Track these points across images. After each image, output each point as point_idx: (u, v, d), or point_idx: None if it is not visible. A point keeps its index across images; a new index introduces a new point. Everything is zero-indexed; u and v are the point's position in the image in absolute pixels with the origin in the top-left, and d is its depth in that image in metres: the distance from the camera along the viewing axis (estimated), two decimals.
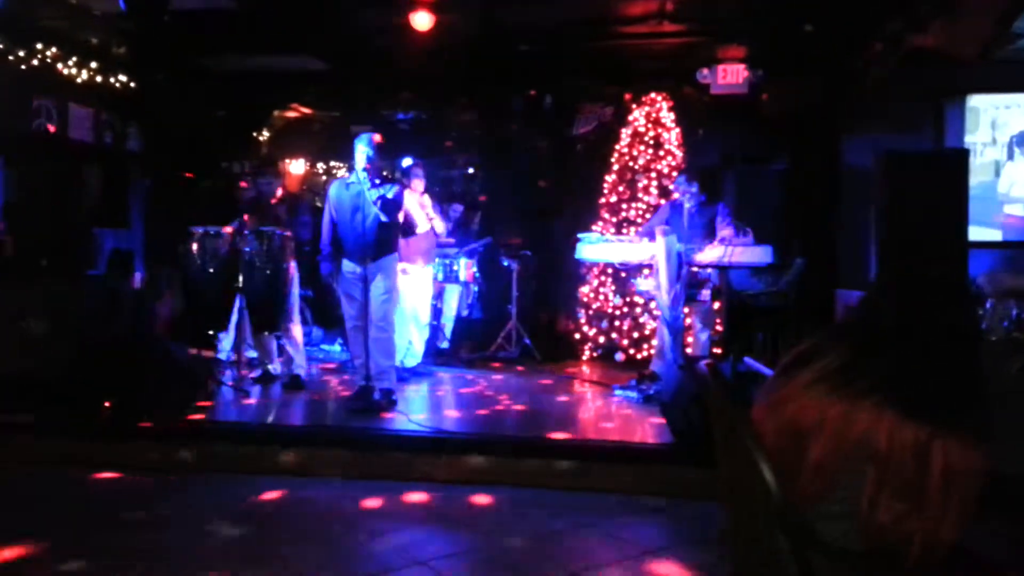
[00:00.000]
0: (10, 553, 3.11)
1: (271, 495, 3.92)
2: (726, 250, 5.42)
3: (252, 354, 6.16)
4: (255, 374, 6.02)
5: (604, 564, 3.14)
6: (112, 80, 7.08)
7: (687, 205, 6.00)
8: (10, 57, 6.20)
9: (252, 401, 5.52)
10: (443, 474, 4.20)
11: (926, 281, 1.47)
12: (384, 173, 5.29)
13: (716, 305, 6.25)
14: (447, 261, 7.32)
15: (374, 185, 5.14)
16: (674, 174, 7.48)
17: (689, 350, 6.28)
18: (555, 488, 4.07)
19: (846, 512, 1.37)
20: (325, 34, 6.90)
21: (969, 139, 7.37)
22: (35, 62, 6.39)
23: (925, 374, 1.37)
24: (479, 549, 3.29)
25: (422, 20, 6.12)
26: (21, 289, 5.44)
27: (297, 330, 6.08)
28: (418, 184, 6.73)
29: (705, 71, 7.20)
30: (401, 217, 5.62)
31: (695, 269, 5.73)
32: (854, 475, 1.35)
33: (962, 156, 5.92)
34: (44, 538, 3.28)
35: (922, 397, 1.33)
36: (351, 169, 5.27)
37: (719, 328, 6.34)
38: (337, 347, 7.80)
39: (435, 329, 7.50)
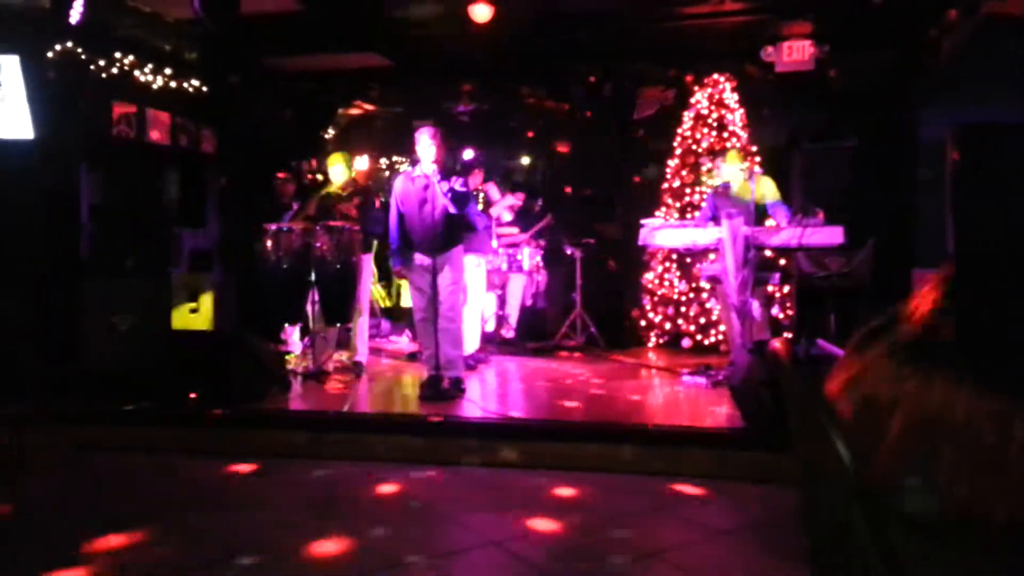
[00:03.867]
0: (116, 541, 3.30)
1: (347, 479, 4.05)
2: (795, 232, 5.32)
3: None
4: (310, 368, 6.06)
5: (676, 546, 3.15)
6: (185, 85, 7.36)
7: (734, 188, 5.90)
8: (91, 67, 6.50)
9: (325, 390, 5.68)
10: (513, 459, 4.26)
11: (1004, 254, 1.44)
12: (451, 167, 5.37)
13: (786, 288, 6.14)
14: (511, 251, 7.38)
15: (443, 178, 5.23)
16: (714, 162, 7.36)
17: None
18: (625, 472, 4.09)
19: (924, 485, 1.35)
20: (387, 30, 7.02)
21: None
22: (114, 70, 6.69)
23: (1003, 345, 1.34)
24: (550, 531, 3.33)
25: (481, 12, 6.17)
26: (109, 287, 5.73)
27: (364, 321, 6.25)
28: (477, 178, 6.86)
29: (769, 49, 7.03)
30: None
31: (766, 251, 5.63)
32: (933, 448, 1.34)
33: None
34: (141, 520, 3.48)
35: (1001, 369, 1.30)
36: (414, 163, 5.35)
37: (790, 311, 6.22)
38: (404, 339, 7.95)
39: (500, 319, 7.57)
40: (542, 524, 3.41)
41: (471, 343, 6.83)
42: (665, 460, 4.13)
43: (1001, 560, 1.32)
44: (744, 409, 4.35)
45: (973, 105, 6.65)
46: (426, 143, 5.22)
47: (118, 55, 6.73)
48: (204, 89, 7.57)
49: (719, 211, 5.76)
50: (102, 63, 6.61)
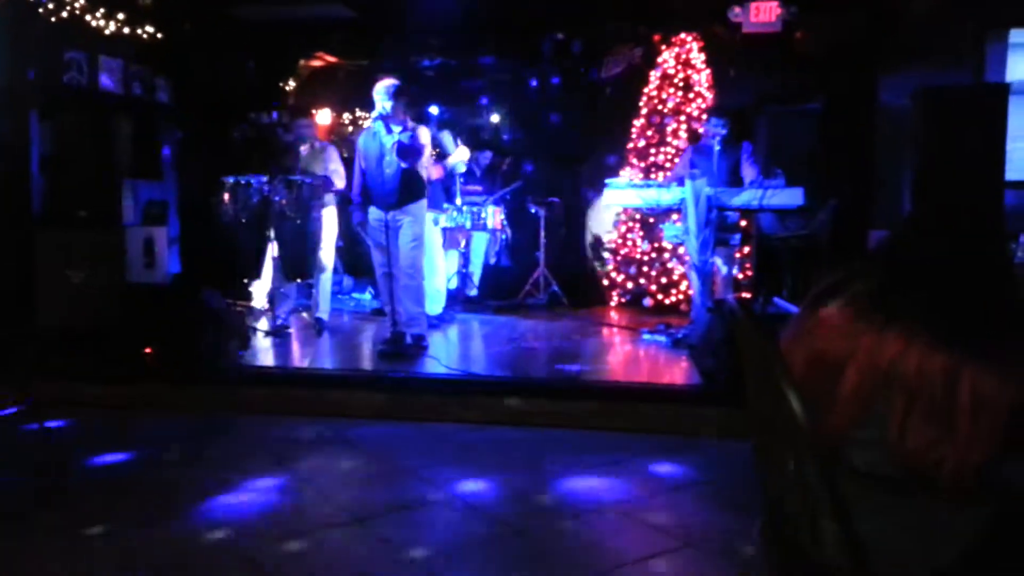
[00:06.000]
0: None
1: (308, 436, 4.04)
2: (757, 193, 5.36)
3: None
4: (270, 324, 6.03)
5: (634, 499, 3.22)
6: (140, 31, 7.10)
7: (716, 148, 5.93)
8: (40, 10, 6.23)
9: (286, 346, 5.64)
10: (474, 415, 4.29)
11: (958, 212, 1.46)
12: (402, 119, 5.27)
13: (746, 249, 6.21)
14: (475, 209, 7.32)
15: (390, 132, 5.18)
16: (703, 117, 7.37)
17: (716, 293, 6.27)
18: (585, 428, 4.15)
19: (876, 439, 1.39)
20: None
21: (1012, 76, 7.12)
22: (64, 14, 6.42)
23: (955, 302, 1.37)
24: (510, 484, 3.37)
25: None
26: (61, 240, 5.57)
27: (327, 277, 6.19)
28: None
29: (737, 9, 7.00)
30: (428, 166, 5.66)
31: (727, 213, 5.68)
32: (884, 402, 1.37)
33: (1001, 91, 5.73)
34: (88, 477, 3.44)
35: (952, 325, 1.33)
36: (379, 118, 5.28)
37: (749, 272, 6.31)
38: (368, 295, 7.90)
39: (463, 277, 7.55)
40: (501, 477, 3.45)
41: (438, 304, 6.79)
42: (624, 416, 4.19)
43: (947, 507, 1.37)
44: (702, 366, 4.42)
45: (933, 70, 6.72)
46: (376, 98, 5.18)
47: None
48: (159, 36, 7.31)
49: (696, 167, 5.81)
50: (51, 6, 6.34)
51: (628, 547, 2.82)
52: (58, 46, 6.48)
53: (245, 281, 6.57)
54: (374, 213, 5.36)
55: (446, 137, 6.86)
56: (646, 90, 7.71)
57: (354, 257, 8.28)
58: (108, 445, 3.90)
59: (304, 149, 6.21)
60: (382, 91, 5.18)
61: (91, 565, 2.63)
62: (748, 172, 5.83)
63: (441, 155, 7.17)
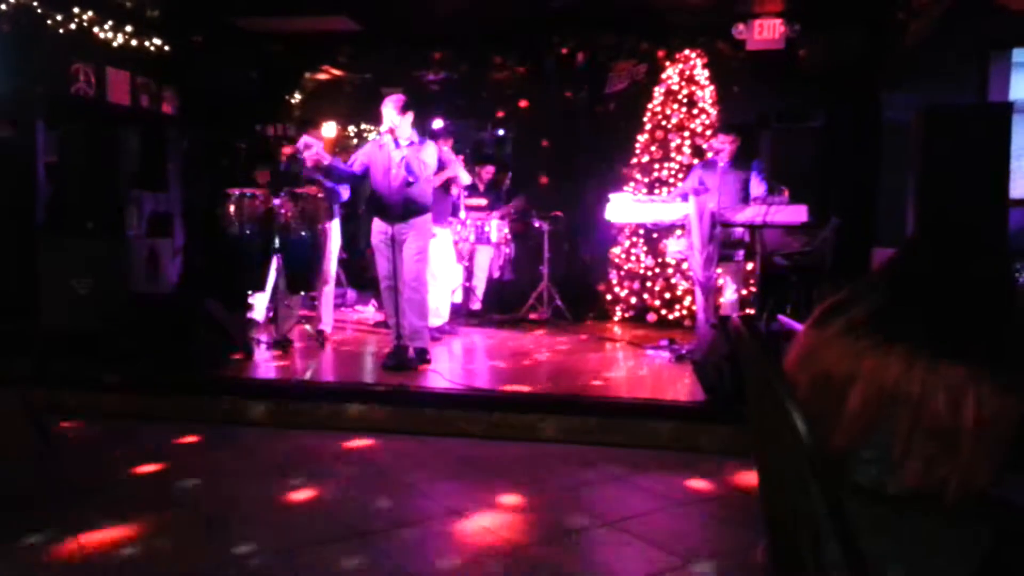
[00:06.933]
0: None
1: (308, 448, 4.03)
2: (760, 209, 5.37)
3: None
4: (273, 337, 6.04)
5: (635, 516, 3.20)
6: (147, 43, 7.15)
7: (720, 164, 5.94)
8: (48, 21, 6.29)
9: (288, 359, 5.63)
10: (476, 429, 4.28)
11: (961, 231, 1.47)
12: (409, 133, 5.30)
13: (750, 265, 6.21)
14: (479, 223, 7.34)
15: (398, 146, 5.21)
16: (707, 133, 7.39)
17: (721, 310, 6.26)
18: (587, 443, 4.13)
19: (880, 457, 1.38)
20: None
21: (1015, 94, 7.14)
22: (72, 26, 6.48)
23: (958, 321, 1.37)
24: (512, 500, 3.36)
25: None
26: (66, 249, 5.59)
27: (329, 290, 6.20)
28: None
29: (741, 26, 7.05)
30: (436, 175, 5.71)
31: (735, 228, 5.69)
32: (889, 421, 1.37)
33: (1005, 110, 5.74)
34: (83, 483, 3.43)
35: (955, 344, 1.33)
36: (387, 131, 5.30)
37: (753, 288, 6.30)
38: (371, 308, 7.90)
39: (467, 291, 7.55)
40: (504, 493, 3.44)
41: (441, 315, 6.79)
42: (627, 432, 4.18)
43: (951, 526, 1.36)
44: (705, 383, 4.41)
45: (937, 88, 6.74)
46: (384, 112, 5.21)
47: (76, 10, 6.51)
48: (166, 48, 7.37)
49: (704, 183, 5.82)
50: (60, 18, 6.39)
51: (630, 564, 2.80)
52: (66, 57, 6.54)
53: (248, 293, 6.57)
54: (379, 225, 5.38)
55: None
56: (650, 106, 7.73)
57: (358, 270, 8.30)
58: (101, 453, 3.90)
59: (310, 162, 6.23)
60: (391, 105, 5.21)
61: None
62: (756, 189, 5.86)
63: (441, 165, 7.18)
